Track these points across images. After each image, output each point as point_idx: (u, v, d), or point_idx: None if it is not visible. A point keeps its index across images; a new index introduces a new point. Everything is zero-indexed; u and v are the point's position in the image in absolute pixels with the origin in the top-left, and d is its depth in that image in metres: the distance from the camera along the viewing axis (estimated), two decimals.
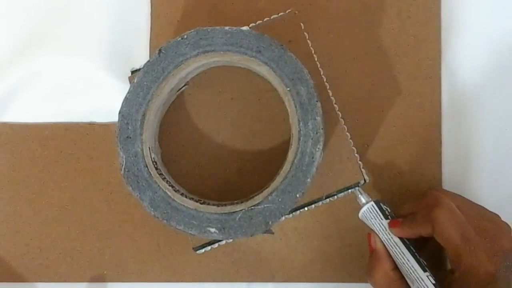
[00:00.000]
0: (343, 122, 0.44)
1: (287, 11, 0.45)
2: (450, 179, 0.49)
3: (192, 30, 0.41)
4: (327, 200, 0.44)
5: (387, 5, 0.50)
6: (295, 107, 0.41)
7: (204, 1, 0.50)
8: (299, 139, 0.41)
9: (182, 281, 0.49)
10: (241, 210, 0.41)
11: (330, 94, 0.44)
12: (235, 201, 0.42)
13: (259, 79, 0.45)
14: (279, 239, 0.49)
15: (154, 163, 0.42)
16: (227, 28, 0.41)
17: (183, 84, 0.45)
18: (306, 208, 0.44)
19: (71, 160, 0.50)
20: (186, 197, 0.41)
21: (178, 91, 0.45)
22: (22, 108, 0.51)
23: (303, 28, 0.45)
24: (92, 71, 0.50)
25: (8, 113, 0.51)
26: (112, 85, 0.50)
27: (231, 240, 0.45)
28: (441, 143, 0.49)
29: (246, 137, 0.45)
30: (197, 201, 0.41)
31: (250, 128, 0.45)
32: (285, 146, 0.42)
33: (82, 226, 0.50)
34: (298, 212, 0.45)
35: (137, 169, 0.41)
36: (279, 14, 0.45)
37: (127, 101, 0.42)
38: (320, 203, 0.44)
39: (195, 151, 0.45)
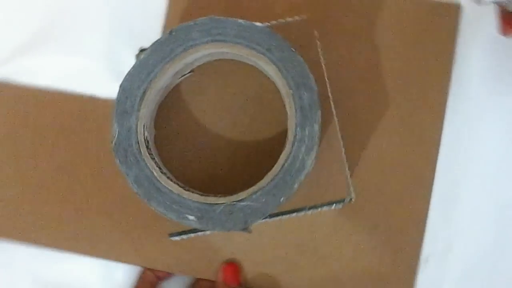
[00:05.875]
0: (339, 136, 0.44)
1: (302, 17, 0.45)
2: (434, 219, 0.49)
3: (206, 17, 0.42)
4: (310, 211, 0.44)
5: (404, 33, 0.50)
6: (295, 111, 0.41)
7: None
8: (293, 143, 0.40)
9: (152, 267, 0.48)
10: (222, 203, 0.40)
11: (332, 106, 0.44)
12: (219, 194, 0.41)
13: (265, 79, 0.45)
14: (256, 245, 0.49)
15: (146, 142, 0.41)
16: (240, 20, 0.41)
17: (188, 71, 0.45)
18: (287, 216, 0.44)
19: (65, 130, 0.50)
20: (171, 180, 0.41)
21: (182, 76, 0.45)
22: (24, 70, 0.51)
23: (316, 36, 0.45)
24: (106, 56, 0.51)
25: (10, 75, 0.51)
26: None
27: (208, 233, 0.44)
28: (433, 180, 0.49)
29: (241, 134, 0.45)
30: (181, 187, 0.41)
31: (247, 126, 0.45)
32: (279, 148, 0.42)
33: (63, 195, 0.49)
34: (278, 218, 0.44)
35: (128, 144, 0.41)
36: (294, 18, 0.45)
37: (129, 75, 0.42)
38: (303, 212, 0.44)
39: (188, 139, 0.45)
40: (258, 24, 0.42)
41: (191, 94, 0.46)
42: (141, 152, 0.41)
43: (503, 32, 0.41)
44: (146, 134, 0.42)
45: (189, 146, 0.45)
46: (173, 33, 0.42)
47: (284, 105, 0.43)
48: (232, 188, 0.44)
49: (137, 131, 0.41)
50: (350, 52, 0.50)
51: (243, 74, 0.45)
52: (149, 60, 0.42)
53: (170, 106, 0.45)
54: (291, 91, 0.41)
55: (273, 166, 0.41)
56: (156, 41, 0.42)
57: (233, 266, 0.47)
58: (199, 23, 0.41)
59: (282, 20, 0.45)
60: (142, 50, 0.44)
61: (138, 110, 0.41)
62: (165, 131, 0.45)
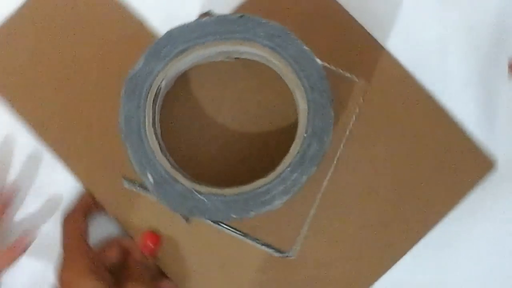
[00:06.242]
0: (322, 189, 0.45)
1: (354, 77, 0.46)
2: None
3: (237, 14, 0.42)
4: (250, 241, 0.45)
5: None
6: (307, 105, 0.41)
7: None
8: (304, 137, 0.41)
9: (93, 195, 0.49)
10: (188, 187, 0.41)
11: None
12: (200, 182, 0.42)
13: (274, 74, 0.45)
14: (190, 237, 0.49)
15: (158, 91, 0.42)
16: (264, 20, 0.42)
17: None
18: (229, 231, 0.45)
19: (107, 45, 0.50)
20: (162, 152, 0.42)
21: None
22: None
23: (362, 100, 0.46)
24: None
25: None
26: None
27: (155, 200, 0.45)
28: None
29: (246, 128, 0.46)
30: (170, 162, 0.42)
31: (254, 123, 0.46)
32: (284, 142, 0.43)
33: (76, 97, 0.50)
34: (222, 228, 0.45)
35: (141, 83, 0.42)
36: (346, 74, 0.46)
37: (181, 28, 0.42)
38: (244, 238, 0.45)
39: (194, 131, 0.47)
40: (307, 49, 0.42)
41: (199, 86, 0.47)
42: (149, 99, 0.42)
43: None
44: (163, 84, 0.42)
45: (196, 137, 0.46)
46: (244, 16, 0.42)
47: (293, 100, 0.43)
48: (221, 178, 0.45)
49: (155, 78, 0.42)
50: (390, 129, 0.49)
51: (253, 68, 0.46)
52: (205, 27, 0.42)
53: (178, 98, 0.46)
54: (302, 88, 0.41)
55: (278, 160, 0.42)
56: (220, 16, 0.42)
57: (155, 237, 0.48)
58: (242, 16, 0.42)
59: (328, 66, 0.45)
60: (206, 14, 0.45)
61: (167, 64, 0.42)
62: (172, 123, 0.46)
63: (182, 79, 0.46)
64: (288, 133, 0.44)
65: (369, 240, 0.48)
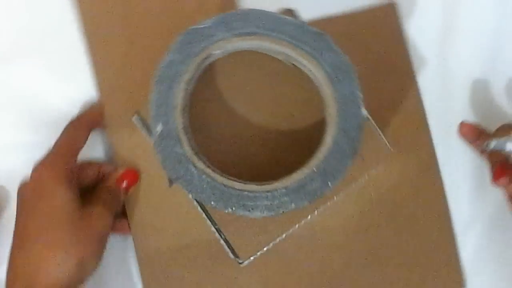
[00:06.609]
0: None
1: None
2: None
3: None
4: (213, 230, 0.45)
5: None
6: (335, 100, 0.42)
7: None
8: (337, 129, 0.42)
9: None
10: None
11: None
12: (232, 177, 0.42)
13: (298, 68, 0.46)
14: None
15: (208, 57, 0.42)
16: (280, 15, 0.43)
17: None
18: (206, 215, 0.45)
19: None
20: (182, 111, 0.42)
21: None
22: None
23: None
24: None
25: None
26: None
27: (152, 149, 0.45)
28: None
29: (270, 121, 0.47)
30: (183, 125, 0.42)
31: (280, 114, 0.47)
32: (310, 137, 0.44)
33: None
34: (199, 208, 0.45)
35: (199, 41, 0.42)
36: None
37: (256, 13, 0.42)
38: (210, 224, 0.45)
39: (220, 126, 0.47)
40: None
41: (225, 82, 0.47)
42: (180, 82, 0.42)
43: (495, 180, 0.41)
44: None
45: (222, 133, 0.47)
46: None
47: (320, 95, 0.44)
48: (252, 172, 0.46)
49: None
50: None
51: (277, 63, 0.47)
52: (281, 24, 0.42)
53: (203, 93, 0.46)
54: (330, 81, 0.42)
55: (305, 154, 0.42)
56: (299, 22, 0.42)
57: (135, 176, 0.48)
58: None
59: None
60: (289, 11, 0.45)
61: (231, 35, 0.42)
62: (198, 118, 0.46)
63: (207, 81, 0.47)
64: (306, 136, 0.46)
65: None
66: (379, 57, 0.50)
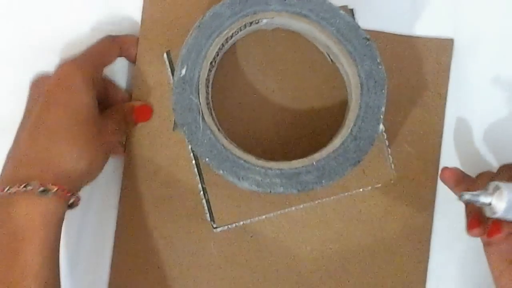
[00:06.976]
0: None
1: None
2: None
3: None
4: (200, 189, 0.45)
5: None
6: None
7: None
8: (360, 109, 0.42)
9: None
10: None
11: None
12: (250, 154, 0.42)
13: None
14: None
15: (235, 33, 0.43)
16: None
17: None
18: (197, 172, 0.45)
19: None
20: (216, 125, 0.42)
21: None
22: None
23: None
24: None
25: None
26: None
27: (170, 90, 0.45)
28: None
29: (289, 105, 0.47)
30: (208, 109, 0.42)
31: (300, 102, 0.47)
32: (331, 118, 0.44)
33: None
34: (194, 163, 0.45)
35: (225, 19, 0.42)
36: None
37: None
38: (198, 182, 0.45)
39: (243, 104, 0.47)
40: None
41: (247, 61, 0.46)
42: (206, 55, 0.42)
43: (469, 230, 0.41)
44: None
45: (239, 106, 0.47)
46: None
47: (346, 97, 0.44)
48: (269, 150, 0.46)
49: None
50: None
51: (302, 43, 0.46)
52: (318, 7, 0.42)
53: (226, 65, 0.46)
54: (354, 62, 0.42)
55: (312, 147, 0.43)
56: (352, 23, 0.42)
57: (149, 111, 0.47)
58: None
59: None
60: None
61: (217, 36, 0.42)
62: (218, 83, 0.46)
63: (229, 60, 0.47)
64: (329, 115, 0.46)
65: None
66: (417, 84, 0.49)
